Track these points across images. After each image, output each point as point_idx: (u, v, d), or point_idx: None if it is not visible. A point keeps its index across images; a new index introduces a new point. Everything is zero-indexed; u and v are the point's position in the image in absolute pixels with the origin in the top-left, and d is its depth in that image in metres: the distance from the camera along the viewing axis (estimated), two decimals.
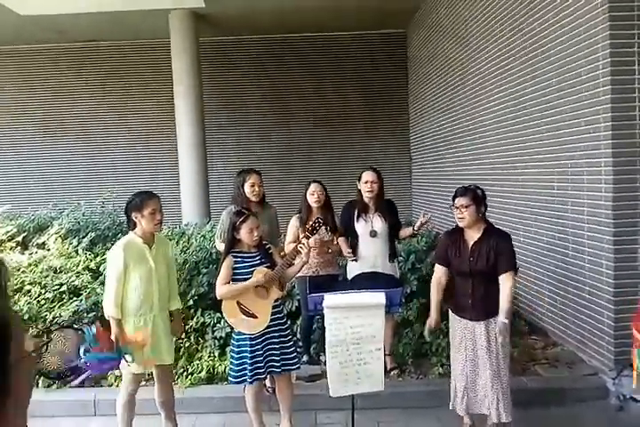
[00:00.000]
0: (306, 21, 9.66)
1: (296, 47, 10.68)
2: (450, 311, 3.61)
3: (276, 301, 3.60)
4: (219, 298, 3.56)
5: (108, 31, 9.89)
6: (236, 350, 3.56)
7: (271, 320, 3.54)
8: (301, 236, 3.70)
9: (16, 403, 0.65)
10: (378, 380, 3.32)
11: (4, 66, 10.78)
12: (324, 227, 3.75)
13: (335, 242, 4.58)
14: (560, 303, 4.99)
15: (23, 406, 0.67)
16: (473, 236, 3.46)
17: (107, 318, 3.44)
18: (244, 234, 3.50)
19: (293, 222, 4.62)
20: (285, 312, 3.75)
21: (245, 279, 3.51)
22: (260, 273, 3.51)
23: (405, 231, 4.68)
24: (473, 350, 3.43)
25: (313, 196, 4.57)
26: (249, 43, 10.64)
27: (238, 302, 3.52)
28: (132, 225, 3.50)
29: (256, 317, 3.52)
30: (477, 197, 3.45)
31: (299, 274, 3.96)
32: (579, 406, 4.01)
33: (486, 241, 3.42)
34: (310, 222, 3.73)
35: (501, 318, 3.34)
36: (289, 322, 3.82)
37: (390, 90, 10.79)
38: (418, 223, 4.51)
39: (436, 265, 3.65)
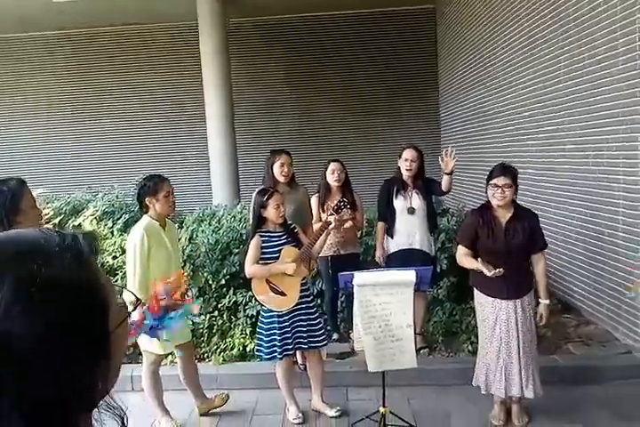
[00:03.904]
0: None
1: (323, 26, 10.57)
2: (477, 293, 3.56)
3: (302, 279, 3.64)
4: (248, 277, 3.62)
5: (136, 15, 9.93)
6: (265, 327, 3.62)
7: (299, 298, 3.60)
8: (326, 215, 3.74)
9: (114, 367, 0.70)
10: (411, 357, 3.34)
11: (36, 52, 10.95)
12: (344, 205, 3.76)
13: (353, 218, 4.54)
14: (593, 281, 4.92)
15: (117, 370, 0.72)
16: (504, 214, 3.44)
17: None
18: (270, 210, 3.55)
19: (314, 202, 4.64)
20: (312, 291, 3.80)
21: (272, 258, 3.56)
22: (288, 257, 3.55)
23: (444, 181, 4.42)
24: (507, 331, 3.42)
25: (333, 175, 4.58)
26: (276, 23, 10.57)
27: (267, 280, 3.57)
28: (144, 209, 3.52)
29: (285, 294, 3.57)
30: (516, 177, 3.46)
31: (320, 254, 4.00)
32: (612, 385, 3.98)
33: (520, 219, 3.43)
34: (335, 202, 3.77)
35: (543, 299, 3.46)
36: (317, 300, 3.88)
37: (419, 68, 10.62)
38: (443, 165, 4.34)
39: (460, 246, 3.57)
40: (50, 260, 0.64)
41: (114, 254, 5.34)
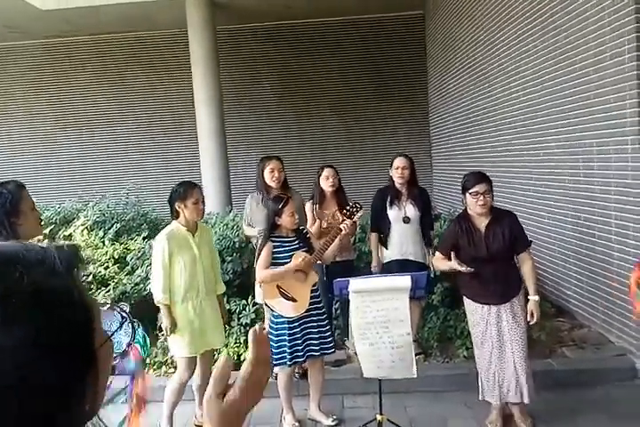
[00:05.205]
0: (321, 6, 9.58)
1: (312, 33, 10.60)
2: (467, 300, 3.58)
3: (313, 285, 3.63)
4: (259, 282, 3.61)
5: (125, 23, 9.92)
6: (275, 333, 3.59)
7: (309, 304, 3.57)
8: (340, 219, 3.73)
9: (100, 388, 0.70)
10: (410, 366, 3.32)
11: (27, 60, 10.90)
12: (356, 210, 3.74)
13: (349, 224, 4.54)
14: (586, 284, 4.93)
15: (104, 387, 0.72)
16: (484, 220, 3.48)
17: (156, 304, 3.54)
18: (285, 218, 3.54)
19: (308, 207, 4.63)
20: (322, 297, 3.78)
21: (284, 264, 3.54)
22: (298, 257, 3.54)
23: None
24: (498, 336, 3.43)
25: (328, 180, 4.56)
26: (265, 30, 10.59)
27: (278, 286, 3.55)
28: (175, 214, 3.60)
29: (295, 300, 3.55)
30: (492, 183, 3.51)
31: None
32: (607, 388, 3.98)
33: (498, 223, 3.46)
34: (348, 207, 3.75)
35: (532, 296, 3.46)
36: (325, 307, 3.86)
37: (410, 74, 10.66)
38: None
39: (437, 253, 3.64)
40: (30, 271, 0.64)
41: (105, 264, 5.29)
